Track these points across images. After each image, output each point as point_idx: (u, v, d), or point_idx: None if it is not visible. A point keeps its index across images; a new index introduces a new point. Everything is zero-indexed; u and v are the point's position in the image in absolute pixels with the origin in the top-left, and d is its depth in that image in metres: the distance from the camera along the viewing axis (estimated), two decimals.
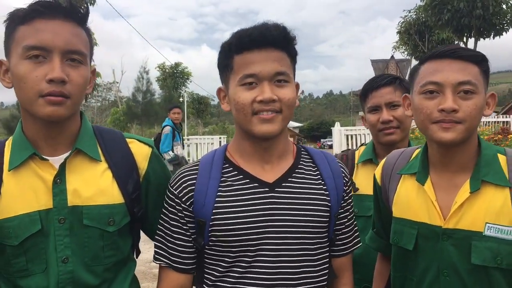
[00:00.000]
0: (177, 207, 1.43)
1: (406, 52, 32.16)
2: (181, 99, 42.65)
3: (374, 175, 1.75)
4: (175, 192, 1.43)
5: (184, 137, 23.99)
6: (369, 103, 2.11)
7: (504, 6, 20.64)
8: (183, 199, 1.42)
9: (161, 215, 1.48)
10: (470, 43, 22.18)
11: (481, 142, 1.49)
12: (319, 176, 1.48)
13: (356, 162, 2.19)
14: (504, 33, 21.54)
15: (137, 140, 1.54)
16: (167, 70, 47.02)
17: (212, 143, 15.88)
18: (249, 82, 1.34)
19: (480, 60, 1.41)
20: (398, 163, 1.64)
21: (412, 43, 29.59)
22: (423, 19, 26.35)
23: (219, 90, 1.47)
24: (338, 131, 17.31)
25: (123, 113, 28.26)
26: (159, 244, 1.48)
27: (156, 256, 1.47)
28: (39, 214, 1.33)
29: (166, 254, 1.46)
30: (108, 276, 1.42)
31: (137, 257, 1.59)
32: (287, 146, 1.49)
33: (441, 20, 21.17)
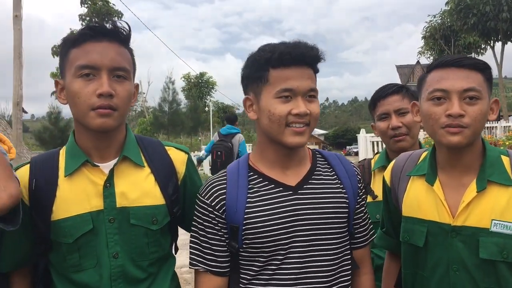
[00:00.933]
0: (210, 215, 1.52)
1: (431, 57, 31.84)
2: (206, 109, 43.17)
3: (384, 177, 1.82)
4: (207, 202, 1.53)
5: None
6: (378, 111, 2.21)
7: None
8: (216, 207, 1.51)
9: (194, 224, 1.60)
10: (497, 47, 21.85)
11: (486, 145, 1.59)
12: (335, 177, 1.60)
13: (372, 169, 2.29)
14: None
15: (174, 147, 1.69)
16: (192, 80, 47.65)
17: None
18: (285, 96, 1.43)
19: (483, 68, 1.50)
20: (407, 165, 1.74)
21: (437, 48, 29.29)
22: (448, 24, 26.08)
23: (246, 99, 1.54)
24: (363, 138, 17.26)
25: (150, 123, 28.77)
26: (195, 251, 1.56)
27: (192, 262, 1.56)
28: (90, 215, 1.50)
29: (202, 260, 1.55)
30: (152, 271, 1.56)
31: (175, 253, 1.73)
32: (304, 152, 1.62)
33: (467, 24, 20.95)
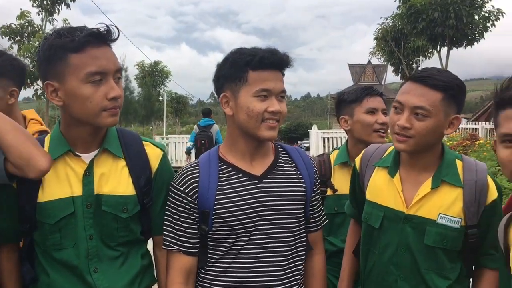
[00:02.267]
0: (184, 200, 1.70)
1: (382, 58, 32.83)
2: (160, 98, 42.37)
3: (355, 161, 2.07)
4: (181, 188, 1.71)
5: (162, 136, 23.96)
6: (367, 105, 2.45)
7: (476, 17, 21.35)
8: (189, 194, 1.69)
9: (168, 208, 1.75)
10: (443, 52, 22.88)
11: (445, 149, 1.84)
12: (295, 168, 1.82)
13: (333, 164, 2.50)
14: (475, 43, 22.27)
15: (152, 143, 1.84)
16: (146, 68, 46.68)
17: None
18: (263, 95, 1.63)
19: (446, 89, 1.67)
20: (374, 156, 1.98)
21: (388, 49, 30.19)
22: (399, 27, 26.93)
23: (223, 96, 1.71)
24: (315, 133, 17.68)
25: None
26: (169, 233, 1.73)
27: (166, 243, 1.73)
28: (72, 199, 1.64)
29: (175, 241, 1.72)
30: (124, 250, 1.72)
31: (148, 238, 1.86)
32: (268, 145, 1.84)
33: (416, 29, 21.74)
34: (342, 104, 2.57)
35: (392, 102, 1.77)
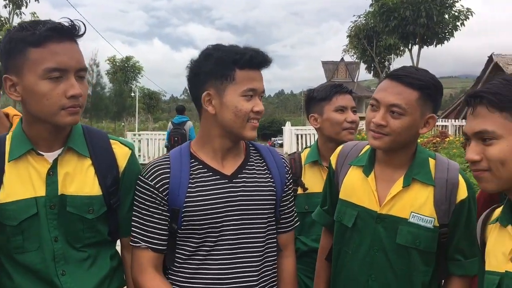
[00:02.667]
0: (154, 195, 1.63)
1: (355, 56, 33.22)
2: (132, 94, 41.80)
3: (330, 159, 2.02)
4: (151, 183, 1.63)
5: (134, 132, 23.65)
6: (336, 103, 2.40)
7: (446, 16, 21.80)
8: (159, 190, 1.63)
9: (136, 204, 1.69)
10: (414, 50, 23.28)
11: (418, 147, 1.82)
12: (265, 167, 1.79)
13: (303, 163, 2.45)
14: (446, 41, 22.76)
15: (120, 142, 1.76)
16: (117, 64, 45.99)
17: (163, 139, 15.78)
18: (250, 95, 1.61)
19: (422, 87, 1.66)
20: (351, 154, 1.96)
21: (361, 47, 30.61)
22: (372, 25, 27.31)
23: (206, 94, 1.64)
24: (288, 130, 17.71)
25: None
26: (137, 229, 1.66)
27: (134, 239, 1.66)
28: (35, 200, 1.55)
29: (144, 238, 1.65)
30: (91, 252, 1.64)
31: (116, 240, 1.78)
32: (240, 144, 1.79)
33: (388, 27, 22.10)
34: (311, 102, 2.53)
35: (369, 99, 1.76)
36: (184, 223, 1.63)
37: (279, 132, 46.10)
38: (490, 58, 20.15)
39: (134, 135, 22.57)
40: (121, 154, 1.72)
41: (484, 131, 1.26)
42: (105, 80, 38.63)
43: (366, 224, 1.79)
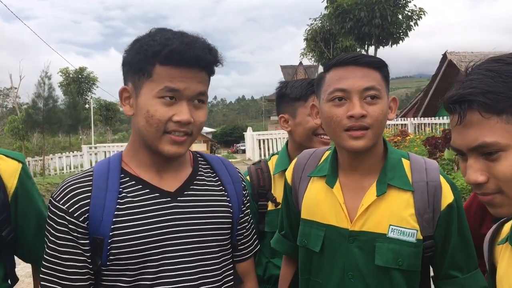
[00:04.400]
0: (69, 225, 1.26)
1: (313, 59, 33.47)
2: (87, 106, 40.82)
3: (285, 175, 1.72)
4: (64, 208, 1.26)
5: (90, 145, 22.92)
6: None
7: (400, 16, 22.19)
8: (74, 215, 1.25)
9: (47, 235, 1.30)
10: (371, 51, 23.54)
11: (388, 147, 1.52)
12: (219, 183, 1.46)
13: (272, 173, 2.10)
14: (400, 41, 23.16)
15: (4, 155, 1.38)
16: (71, 75, 44.79)
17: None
18: (169, 97, 1.25)
19: (380, 66, 1.44)
20: (309, 164, 1.64)
21: (318, 50, 30.85)
22: (328, 27, 27.55)
23: (123, 90, 1.32)
24: (250, 136, 17.54)
25: (22, 121, 26.38)
26: (47, 270, 1.28)
27: (43, 283, 1.28)
28: None
29: (55, 280, 1.27)
30: None
31: (13, 285, 1.41)
32: (184, 155, 1.42)
33: (344, 28, 22.29)
34: (283, 100, 2.14)
35: (326, 95, 1.44)
36: (112, 257, 1.25)
37: (241, 138, 46.08)
38: (444, 56, 20.66)
39: (90, 148, 21.88)
40: (8, 171, 1.36)
41: (484, 144, 0.92)
42: (59, 92, 37.54)
43: (336, 246, 1.47)
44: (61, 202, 1.27)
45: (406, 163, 1.50)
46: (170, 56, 1.23)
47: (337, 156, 1.55)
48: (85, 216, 1.26)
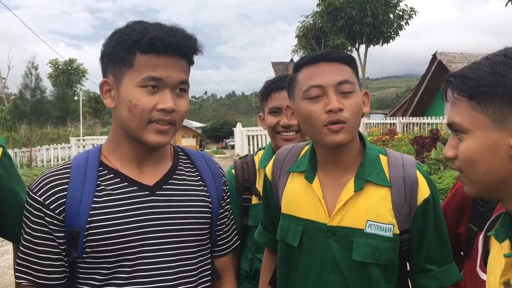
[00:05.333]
0: (45, 217, 1.26)
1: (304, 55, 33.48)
2: (76, 98, 40.46)
3: (265, 170, 1.73)
4: (40, 200, 1.26)
5: (79, 138, 22.71)
6: (271, 104, 2.05)
7: (391, 16, 22.30)
8: (51, 207, 1.25)
9: (23, 226, 1.30)
10: (362, 49, 23.66)
11: (366, 143, 1.54)
12: (199, 178, 1.46)
13: (257, 168, 2.11)
14: (391, 40, 23.27)
15: None
16: (60, 67, 44.36)
17: None
18: (152, 85, 1.25)
19: (349, 61, 1.47)
20: (288, 160, 1.65)
21: (309, 47, 30.83)
22: (319, 25, 27.57)
23: (103, 83, 1.31)
24: (239, 131, 17.51)
25: (10, 112, 26.10)
26: (22, 261, 1.29)
27: (17, 274, 1.29)
28: None
29: (30, 271, 1.28)
30: None
31: None
32: (165, 149, 1.43)
33: (335, 26, 22.35)
34: (260, 98, 2.16)
35: (301, 94, 1.45)
36: (88, 249, 1.25)
37: (231, 134, 45.94)
38: (434, 56, 20.76)
39: (78, 140, 21.69)
40: None
41: (452, 122, 1.04)
42: (47, 83, 37.23)
43: (314, 241, 1.48)
44: (38, 194, 1.27)
45: (383, 159, 1.51)
46: (151, 43, 1.23)
47: (315, 152, 1.56)
48: (61, 208, 1.26)
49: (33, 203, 1.27)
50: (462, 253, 1.69)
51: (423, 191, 1.45)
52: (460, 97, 1.01)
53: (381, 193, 1.45)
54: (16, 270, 1.30)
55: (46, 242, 1.27)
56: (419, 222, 1.45)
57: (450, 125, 1.05)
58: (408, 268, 1.56)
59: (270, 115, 2.05)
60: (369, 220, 1.43)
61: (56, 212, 1.25)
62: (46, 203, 1.26)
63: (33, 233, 1.27)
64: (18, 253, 1.30)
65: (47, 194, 1.26)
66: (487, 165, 0.98)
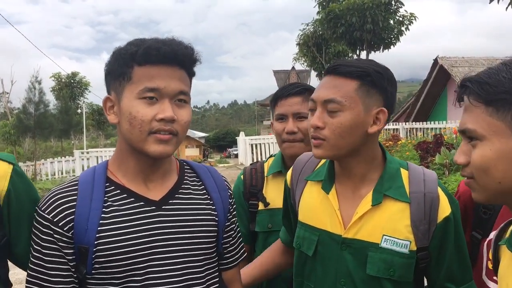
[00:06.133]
0: (54, 234, 1.26)
1: (305, 64, 33.51)
2: (79, 111, 40.64)
3: (286, 176, 1.74)
4: (49, 217, 1.26)
5: (82, 151, 22.75)
6: (277, 111, 2.08)
7: (391, 21, 22.32)
8: (59, 224, 1.25)
9: (32, 244, 1.30)
10: (363, 56, 23.64)
11: (386, 156, 1.52)
12: (204, 191, 1.46)
13: (266, 174, 2.14)
14: (392, 46, 23.27)
15: None
16: (63, 80, 44.60)
17: None
18: (150, 96, 1.25)
19: (359, 76, 1.40)
20: (306, 167, 1.65)
21: (310, 54, 30.87)
22: (320, 32, 27.61)
23: (106, 99, 1.33)
24: (243, 140, 17.52)
25: (14, 126, 26.21)
26: (32, 279, 1.28)
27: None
28: None
29: None
30: None
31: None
32: (171, 163, 1.43)
33: (336, 34, 22.36)
34: (270, 105, 2.20)
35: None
36: (97, 265, 1.25)
37: (234, 143, 45.99)
38: (436, 61, 20.78)
39: (82, 153, 21.73)
40: None
41: (466, 129, 1.00)
42: (50, 97, 37.34)
43: (329, 252, 1.47)
44: (46, 212, 1.27)
45: (404, 173, 1.49)
46: (147, 54, 1.24)
47: (334, 162, 1.55)
48: (70, 225, 1.26)
49: (41, 220, 1.27)
50: None
51: (444, 209, 1.43)
52: (476, 103, 0.97)
53: (400, 208, 1.43)
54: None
55: (56, 260, 1.27)
56: (438, 240, 1.43)
57: (463, 131, 1.01)
58: (426, 285, 1.54)
59: (277, 122, 2.08)
60: (385, 235, 1.41)
61: (65, 229, 1.25)
62: (54, 220, 1.26)
63: (43, 250, 1.27)
64: (28, 271, 1.29)
65: (56, 211, 1.26)
66: (503, 173, 0.96)
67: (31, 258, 1.29)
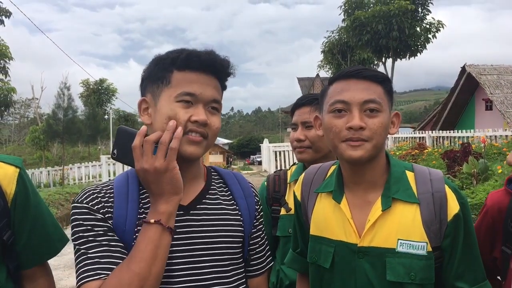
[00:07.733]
0: (96, 216, 1.26)
1: (330, 71, 33.43)
2: (106, 116, 41.40)
3: (294, 191, 1.73)
4: (88, 206, 1.26)
5: (109, 156, 23.04)
6: (292, 120, 2.20)
7: (418, 29, 22.10)
8: (101, 211, 1.26)
9: (77, 239, 1.26)
10: (388, 63, 23.47)
11: (390, 159, 1.52)
12: (231, 197, 1.48)
13: (288, 181, 2.20)
14: (418, 54, 23.03)
15: (1, 161, 1.41)
16: (91, 86, 45.55)
17: None
18: (186, 100, 1.31)
19: (382, 80, 1.45)
20: (316, 180, 1.65)
21: (335, 62, 30.85)
22: (345, 40, 27.54)
23: (141, 101, 1.37)
24: (266, 147, 17.51)
25: (43, 131, 26.84)
26: (88, 266, 1.21)
27: (83, 276, 1.20)
28: None
29: (100, 271, 1.21)
30: None
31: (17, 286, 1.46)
32: (199, 168, 1.46)
33: (361, 41, 22.28)
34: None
35: (328, 107, 1.48)
36: None
37: (258, 150, 45.98)
38: (463, 69, 20.43)
39: (109, 158, 22.05)
40: (6, 177, 1.39)
41: None
42: (79, 103, 38.22)
43: (347, 262, 1.46)
44: (84, 202, 1.27)
45: (410, 175, 1.49)
46: (188, 60, 1.31)
47: (342, 170, 1.56)
48: (109, 215, 1.27)
49: (81, 210, 1.26)
50: (498, 277, 1.66)
51: (453, 206, 1.42)
52: None
53: (410, 210, 1.43)
54: (82, 278, 1.20)
55: (112, 238, 1.25)
56: (450, 238, 1.42)
57: None
58: None
59: (292, 131, 2.20)
60: (400, 239, 1.40)
61: (105, 216, 1.26)
62: (95, 208, 1.26)
63: (93, 228, 1.25)
64: (80, 268, 1.22)
65: (94, 201, 1.28)
66: None
67: (80, 248, 1.24)
